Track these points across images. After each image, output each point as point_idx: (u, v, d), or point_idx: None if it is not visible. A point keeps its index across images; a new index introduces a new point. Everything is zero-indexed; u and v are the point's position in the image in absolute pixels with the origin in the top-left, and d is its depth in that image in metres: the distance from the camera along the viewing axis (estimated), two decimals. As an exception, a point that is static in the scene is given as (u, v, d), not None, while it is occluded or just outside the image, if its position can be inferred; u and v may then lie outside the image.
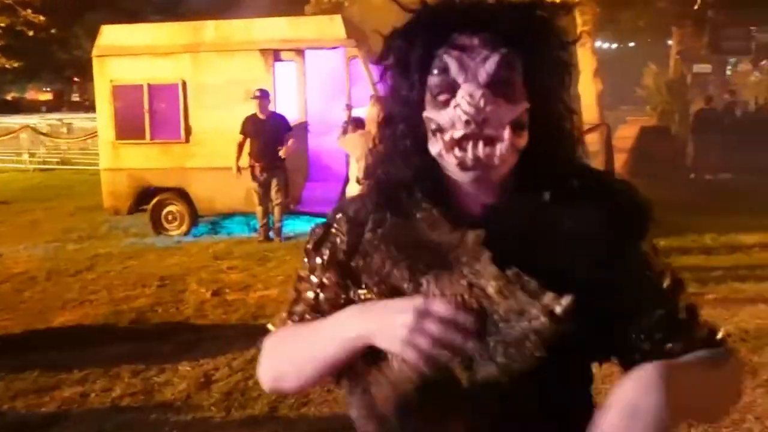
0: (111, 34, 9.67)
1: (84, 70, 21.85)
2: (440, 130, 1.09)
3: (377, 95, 6.76)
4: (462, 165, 1.07)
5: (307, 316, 1.22)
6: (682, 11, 16.63)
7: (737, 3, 16.75)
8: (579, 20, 14.62)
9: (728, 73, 19.26)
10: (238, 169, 8.44)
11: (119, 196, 9.48)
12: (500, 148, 1.06)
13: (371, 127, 5.94)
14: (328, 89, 10.06)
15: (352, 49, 9.42)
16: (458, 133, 1.06)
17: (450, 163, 1.09)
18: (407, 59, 1.12)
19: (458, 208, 1.13)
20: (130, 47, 9.45)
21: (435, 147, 1.10)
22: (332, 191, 9.32)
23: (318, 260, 1.22)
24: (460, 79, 1.07)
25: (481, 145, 1.06)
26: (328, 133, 9.52)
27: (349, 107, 9.22)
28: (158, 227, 9.36)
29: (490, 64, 1.07)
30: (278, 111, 8.74)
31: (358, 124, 7.19)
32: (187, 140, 9.30)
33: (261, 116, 8.38)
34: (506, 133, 1.06)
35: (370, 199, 1.19)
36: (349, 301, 1.17)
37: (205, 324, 5.72)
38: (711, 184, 13.78)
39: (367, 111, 6.27)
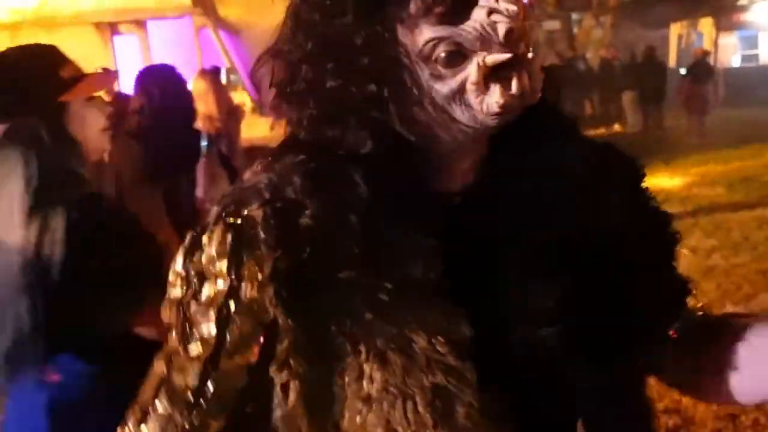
0: None
1: None
2: (463, 53, 0.70)
3: (202, 69, 6.20)
4: (506, 105, 0.71)
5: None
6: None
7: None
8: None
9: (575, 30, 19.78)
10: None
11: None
12: (539, 79, 0.73)
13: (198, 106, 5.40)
14: (178, 64, 9.17)
15: (199, 18, 8.69)
16: (493, 57, 0.70)
17: (481, 105, 0.72)
18: None
19: (426, 184, 0.78)
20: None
21: (446, 86, 0.72)
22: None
23: (215, 288, 0.75)
24: None
25: (525, 73, 0.71)
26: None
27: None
28: None
29: None
30: (124, 92, 7.84)
31: None
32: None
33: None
34: (538, 59, 0.73)
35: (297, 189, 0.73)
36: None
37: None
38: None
39: (193, 86, 5.64)
